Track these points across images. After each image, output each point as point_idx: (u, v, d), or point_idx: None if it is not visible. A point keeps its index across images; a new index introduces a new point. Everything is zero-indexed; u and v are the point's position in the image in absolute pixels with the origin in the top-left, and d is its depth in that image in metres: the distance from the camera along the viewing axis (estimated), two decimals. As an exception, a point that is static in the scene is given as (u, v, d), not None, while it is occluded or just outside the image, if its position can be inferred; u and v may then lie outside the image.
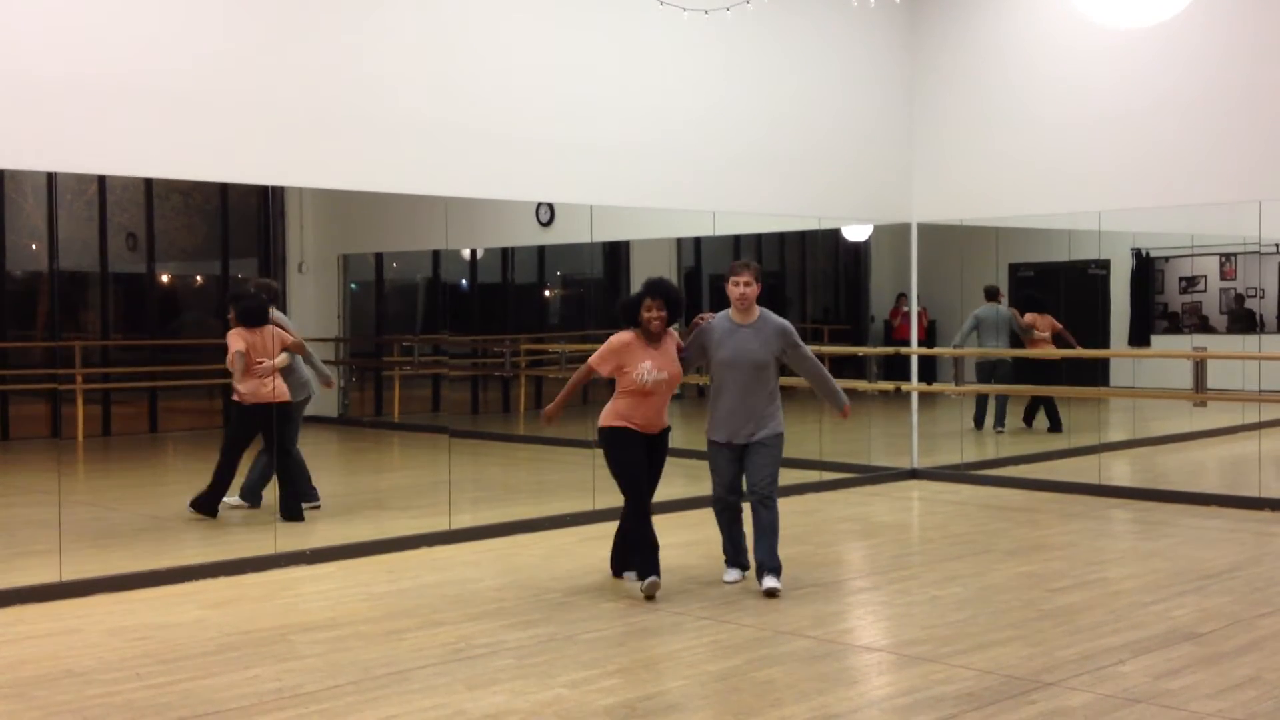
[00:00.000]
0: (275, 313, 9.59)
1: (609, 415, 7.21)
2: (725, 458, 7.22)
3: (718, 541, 7.67)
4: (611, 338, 7.19)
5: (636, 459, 7.13)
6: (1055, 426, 13.88)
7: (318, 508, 9.60)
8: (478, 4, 9.20)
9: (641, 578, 7.08)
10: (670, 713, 5.12)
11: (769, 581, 7.08)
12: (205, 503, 9.36)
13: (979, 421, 14.02)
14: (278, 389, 9.31)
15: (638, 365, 7.08)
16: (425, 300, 15.44)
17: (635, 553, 7.21)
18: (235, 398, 9.39)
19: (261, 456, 9.58)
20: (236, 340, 9.20)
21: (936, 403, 13.91)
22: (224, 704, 5.24)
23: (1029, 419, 14.24)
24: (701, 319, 7.36)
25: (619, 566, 7.50)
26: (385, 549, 8.46)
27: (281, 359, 9.35)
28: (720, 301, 7.51)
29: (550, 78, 9.54)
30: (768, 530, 7.13)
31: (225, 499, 9.48)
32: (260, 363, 9.27)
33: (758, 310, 7.22)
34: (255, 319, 9.32)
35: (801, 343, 7.31)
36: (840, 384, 7.64)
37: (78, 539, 8.33)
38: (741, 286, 7.12)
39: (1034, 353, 13.56)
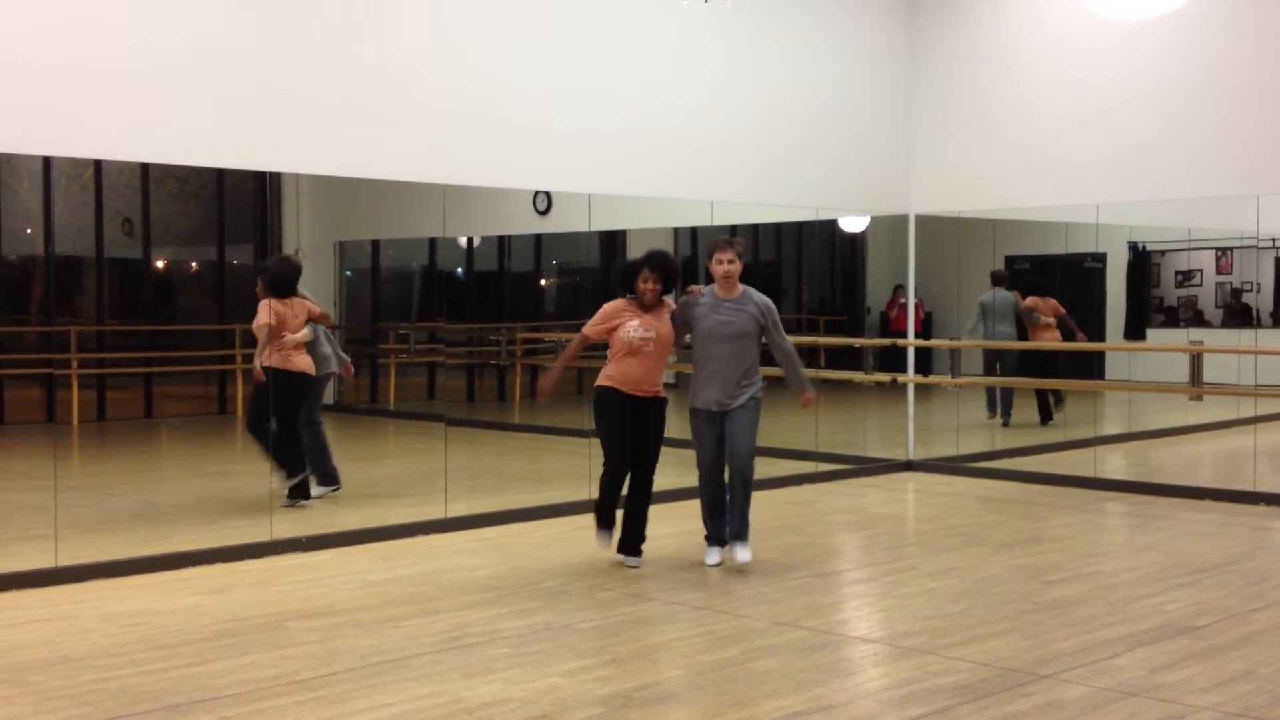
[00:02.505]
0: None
1: (600, 377, 7.56)
2: (706, 426, 7.46)
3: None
4: (605, 305, 7.54)
5: (618, 420, 7.42)
6: (1045, 418, 13.90)
7: (338, 490, 9.56)
8: (477, -9, 9.17)
9: (622, 552, 7.55)
10: (666, 702, 5.12)
11: (741, 554, 7.37)
12: (299, 486, 9.19)
13: (992, 408, 14.00)
14: (305, 361, 9.23)
15: (625, 324, 7.37)
16: (421, 288, 15.41)
17: (623, 525, 7.59)
18: (264, 366, 9.09)
19: (303, 434, 9.41)
20: (265, 311, 9.05)
21: (932, 395, 13.92)
22: (220, 690, 5.23)
23: (1045, 418, 14.19)
24: (691, 290, 7.59)
25: (601, 520, 7.63)
26: (381, 537, 8.46)
27: (304, 333, 9.22)
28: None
29: (549, 66, 9.51)
30: (741, 499, 7.44)
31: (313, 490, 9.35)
32: (283, 335, 9.09)
33: (741, 287, 7.48)
34: (285, 289, 9.16)
35: (779, 325, 7.55)
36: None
37: (73, 524, 8.31)
38: (725, 264, 7.38)
39: (1033, 345, 13.55)
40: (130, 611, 6.59)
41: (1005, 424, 13.97)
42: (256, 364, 9.20)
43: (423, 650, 5.82)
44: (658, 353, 7.42)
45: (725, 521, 7.53)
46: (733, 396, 7.37)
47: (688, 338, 7.60)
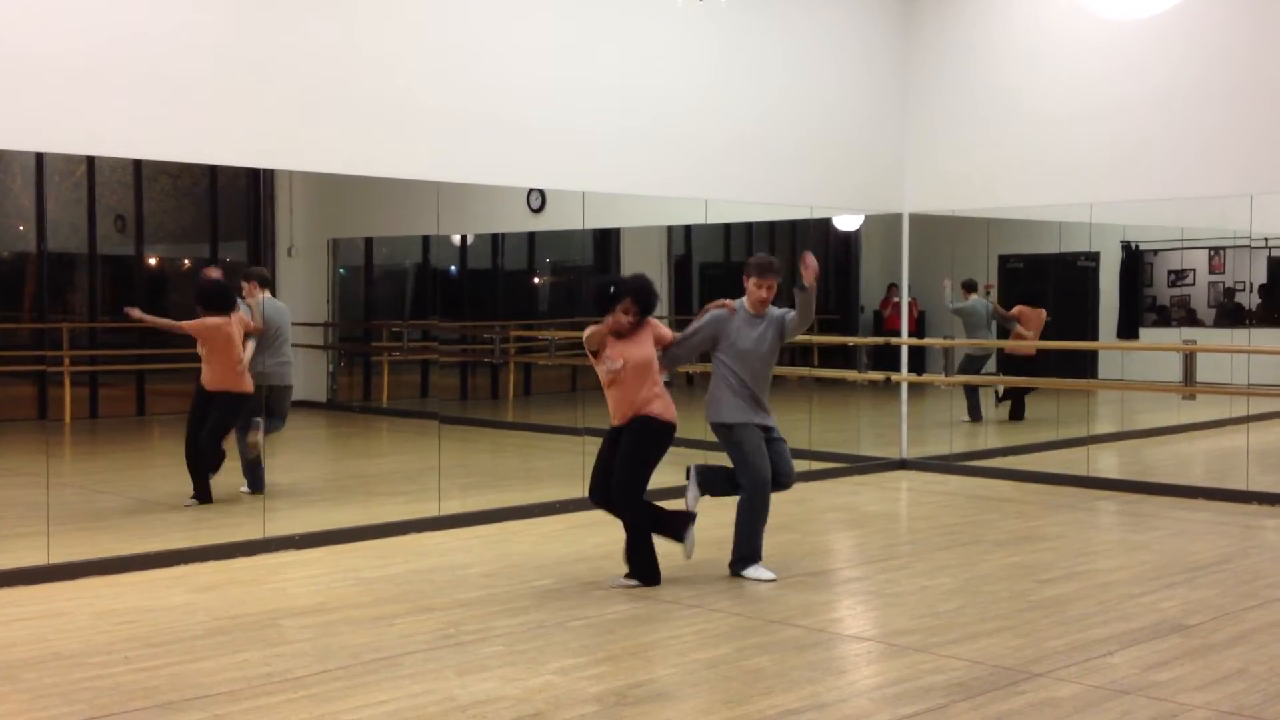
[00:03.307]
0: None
1: None
2: (759, 437, 7.28)
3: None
4: (585, 332, 7.13)
5: (601, 456, 7.20)
6: (1017, 414, 13.95)
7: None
8: (471, -12, 9.17)
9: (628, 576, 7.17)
10: (660, 700, 5.12)
11: (759, 573, 7.27)
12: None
13: (973, 413, 14.05)
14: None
15: (603, 356, 7.10)
16: (415, 286, 15.38)
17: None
18: (246, 382, 9.43)
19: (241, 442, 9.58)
20: (237, 326, 9.32)
21: (926, 393, 13.92)
22: (212, 688, 5.22)
23: (1018, 415, 14.26)
24: (725, 304, 7.33)
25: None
26: (374, 535, 8.45)
27: (250, 346, 9.53)
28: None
29: (543, 64, 9.51)
30: (764, 520, 7.33)
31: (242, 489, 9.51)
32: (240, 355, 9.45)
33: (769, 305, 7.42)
34: (229, 305, 9.40)
35: (790, 318, 7.34)
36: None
37: (66, 522, 8.29)
38: (765, 290, 7.30)
39: (1019, 344, 13.57)
40: (123, 609, 6.58)
41: (976, 420, 13.99)
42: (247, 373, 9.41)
43: (416, 648, 5.82)
44: (631, 376, 7.04)
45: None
46: (768, 417, 7.34)
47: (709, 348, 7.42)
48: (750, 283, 7.31)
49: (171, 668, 5.51)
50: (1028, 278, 14.69)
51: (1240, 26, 10.19)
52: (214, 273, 10.31)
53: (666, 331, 7.31)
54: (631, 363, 7.05)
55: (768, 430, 7.34)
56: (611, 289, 7.08)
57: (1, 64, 7.10)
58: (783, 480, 7.37)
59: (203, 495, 9.25)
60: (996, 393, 14.45)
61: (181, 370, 14.43)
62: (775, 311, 7.39)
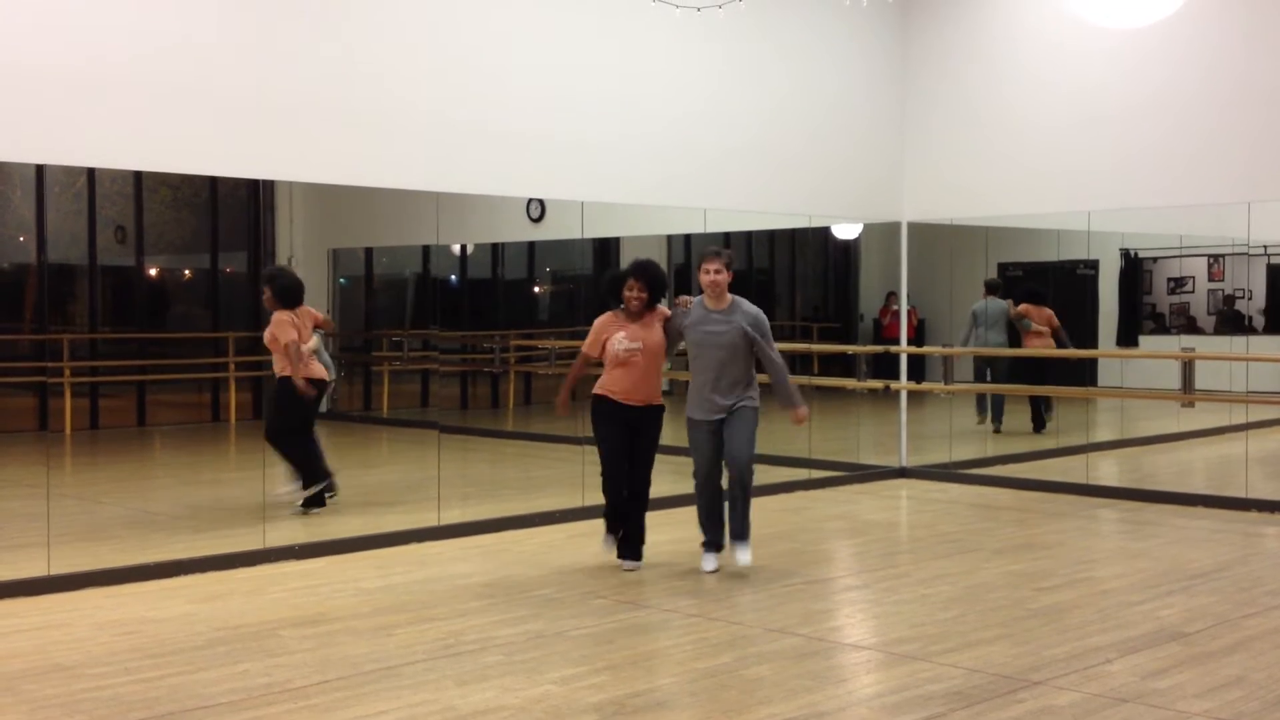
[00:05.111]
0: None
1: (595, 385, 7.66)
2: (704, 434, 7.49)
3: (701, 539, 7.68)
4: (596, 320, 7.65)
5: (611, 428, 7.54)
6: (1038, 427, 13.92)
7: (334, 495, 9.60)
8: (471, 0, 9.20)
9: (620, 556, 7.64)
10: (659, 710, 5.12)
11: (741, 556, 7.43)
12: (318, 495, 9.30)
13: (982, 411, 14.03)
14: (320, 369, 9.37)
15: (613, 336, 7.47)
16: (415, 295, 15.40)
17: (623, 529, 7.67)
18: (283, 377, 9.16)
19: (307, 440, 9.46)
20: (289, 328, 9.08)
21: (925, 401, 13.93)
22: (212, 699, 5.23)
23: (1038, 426, 14.23)
24: (680, 301, 7.66)
25: (610, 526, 7.77)
26: (374, 544, 8.45)
27: (314, 341, 9.34)
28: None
29: (542, 74, 9.53)
30: (741, 503, 7.48)
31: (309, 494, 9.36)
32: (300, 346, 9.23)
33: (730, 297, 7.48)
34: (296, 298, 9.26)
35: (769, 336, 7.53)
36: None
37: (66, 533, 8.30)
38: (711, 274, 7.41)
39: (1024, 352, 13.58)
40: (123, 620, 6.59)
41: (997, 430, 13.99)
42: (299, 380, 9.13)
43: (416, 658, 5.82)
44: (647, 362, 7.47)
45: (722, 528, 7.57)
46: (726, 405, 7.42)
47: (681, 345, 7.64)
48: (699, 273, 7.49)
49: (172, 678, 5.52)
50: (1032, 286, 14.69)
51: (1237, 34, 10.22)
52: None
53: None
54: (649, 346, 7.49)
55: (724, 418, 7.40)
56: (624, 276, 7.55)
57: (2, 76, 7.12)
58: (732, 467, 7.43)
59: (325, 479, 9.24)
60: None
61: (182, 381, 14.48)
62: (748, 311, 7.44)
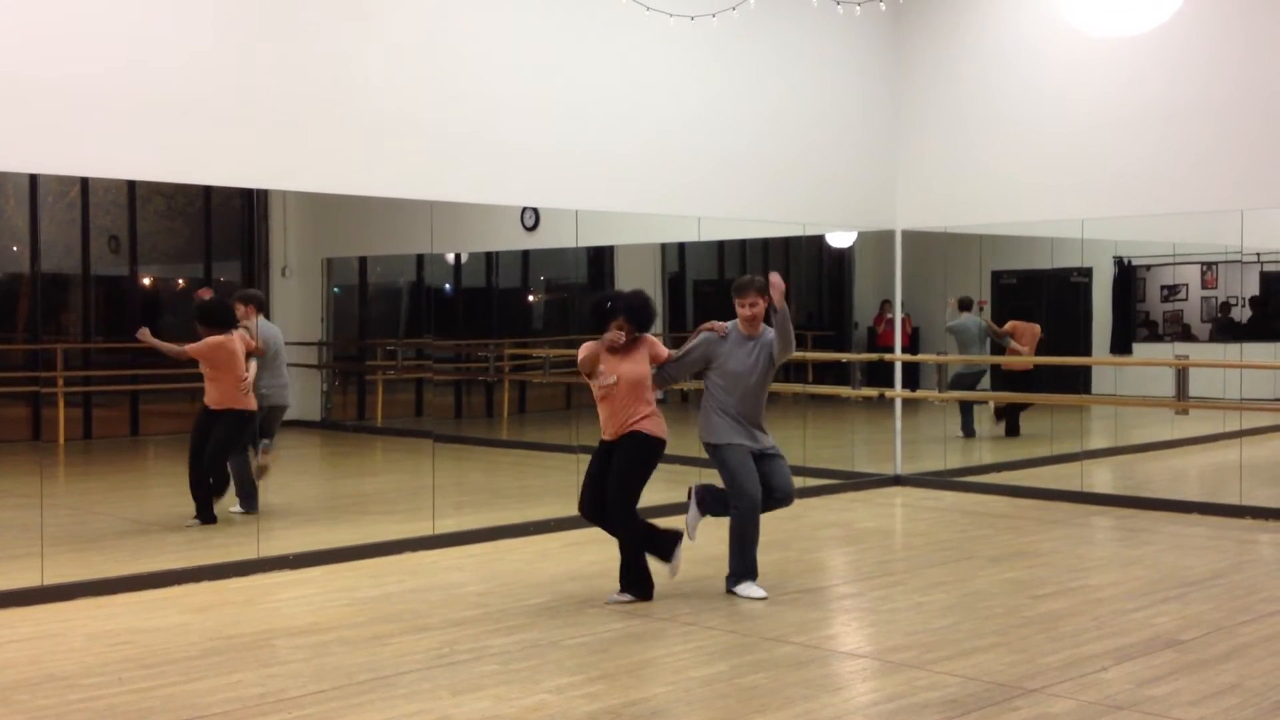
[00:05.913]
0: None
1: None
2: (750, 460, 7.29)
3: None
4: (580, 350, 7.17)
5: (594, 455, 7.23)
6: (1012, 431, 13.96)
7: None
8: (464, 8, 9.19)
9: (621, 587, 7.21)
10: (654, 718, 5.11)
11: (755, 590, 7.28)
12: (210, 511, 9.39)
13: (966, 429, 14.07)
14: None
15: (595, 371, 7.14)
16: (409, 304, 15.40)
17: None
18: (249, 400, 9.43)
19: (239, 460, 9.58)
20: (240, 343, 9.32)
21: (920, 409, 13.95)
22: (206, 709, 5.22)
23: (1013, 431, 14.28)
24: (715, 327, 7.37)
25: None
26: (368, 554, 8.44)
27: (253, 366, 9.53)
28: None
29: (536, 83, 9.54)
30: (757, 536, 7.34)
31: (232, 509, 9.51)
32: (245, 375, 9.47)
33: (761, 324, 7.42)
34: (230, 322, 9.41)
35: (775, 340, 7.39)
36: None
37: (59, 543, 8.28)
38: (748, 308, 7.33)
39: (1012, 360, 13.60)
40: (116, 630, 6.57)
41: (969, 436, 14.01)
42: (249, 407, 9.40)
43: (411, 667, 5.81)
44: (624, 392, 7.08)
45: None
46: (764, 437, 7.35)
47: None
48: (736, 304, 7.37)
49: (166, 689, 5.50)
50: (1020, 293, 14.73)
51: (1231, 44, 10.25)
52: (207, 293, 10.33)
53: (662, 349, 7.34)
54: (625, 379, 7.08)
55: (764, 449, 7.33)
56: (608, 305, 7.12)
57: (-5, 86, 7.12)
58: (779, 496, 7.37)
59: (206, 516, 9.21)
60: (999, 409, 14.46)
61: (175, 391, 14.45)
62: (769, 334, 7.40)
